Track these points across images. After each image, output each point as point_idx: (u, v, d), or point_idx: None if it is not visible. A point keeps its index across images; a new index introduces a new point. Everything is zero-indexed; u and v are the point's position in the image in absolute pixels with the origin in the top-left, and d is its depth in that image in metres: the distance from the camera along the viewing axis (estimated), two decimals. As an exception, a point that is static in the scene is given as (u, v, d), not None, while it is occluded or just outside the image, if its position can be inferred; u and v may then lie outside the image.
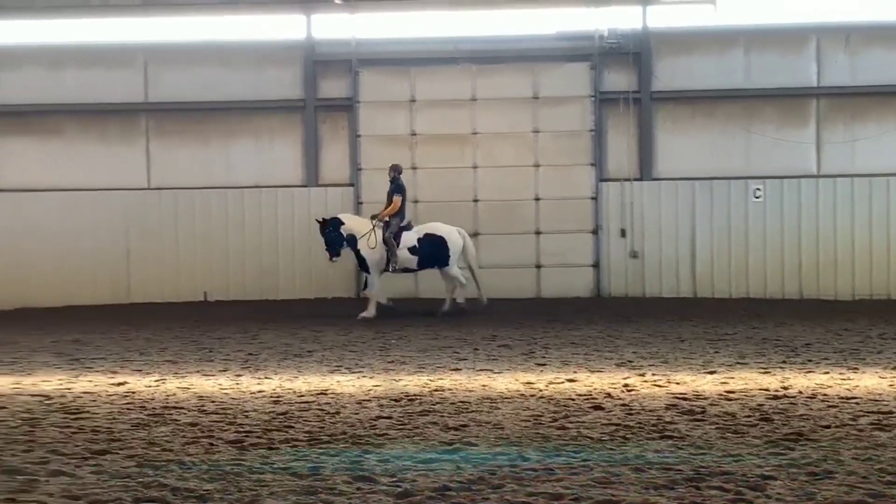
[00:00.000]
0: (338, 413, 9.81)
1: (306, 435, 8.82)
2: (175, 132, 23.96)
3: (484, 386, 11.31)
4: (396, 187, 19.72)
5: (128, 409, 10.21)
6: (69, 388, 11.52)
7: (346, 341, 15.74)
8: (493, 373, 12.27)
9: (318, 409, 10.01)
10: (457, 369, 12.59)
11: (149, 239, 23.65)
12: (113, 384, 11.79)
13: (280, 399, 10.66)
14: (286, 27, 23.95)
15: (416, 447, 8.32)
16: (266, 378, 12.11)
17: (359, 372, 12.49)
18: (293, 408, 10.13)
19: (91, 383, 11.89)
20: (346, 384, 11.56)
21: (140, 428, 9.20)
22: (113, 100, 23.81)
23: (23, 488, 7.07)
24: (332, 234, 19.51)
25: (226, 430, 9.04)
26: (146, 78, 23.85)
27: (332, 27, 23.84)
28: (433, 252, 19.85)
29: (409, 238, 19.71)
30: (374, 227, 19.55)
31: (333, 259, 19.73)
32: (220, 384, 11.70)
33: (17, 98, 23.92)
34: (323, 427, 9.15)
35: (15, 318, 21.11)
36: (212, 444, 8.46)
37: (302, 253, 23.41)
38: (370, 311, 19.38)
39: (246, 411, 9.97)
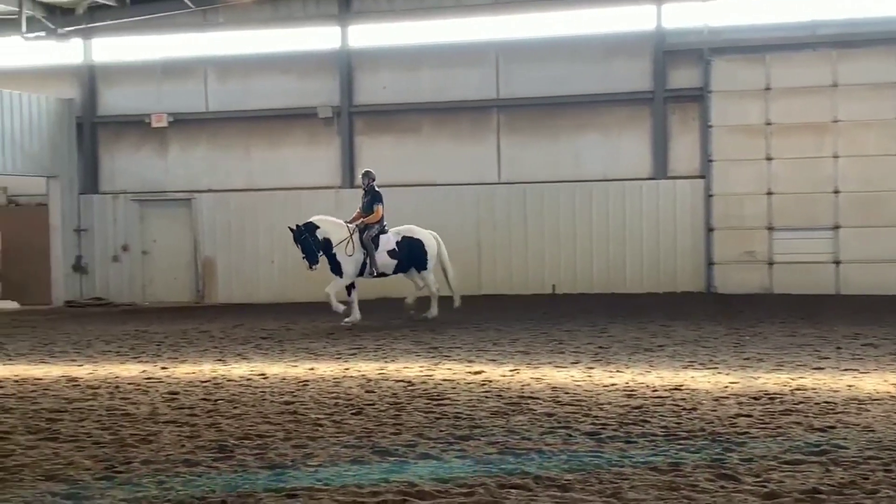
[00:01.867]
0: (694, 409, 9.58)
1: (663, 430, 8.66)
2: (524, 127, 24.40)
3: (850, 386, 10.69)
4: (374, 196, 18.54)
5: (486, 396, 10.45)
6: (430, 375, 11.95)
7: (697, 337, 15.39)
8: (859, 373, 11.58)
9: (674, 405, 9.82)
10: (819, 368, 11.99)
11: (498, 232, 24.22)
12: (470, 372, 12.12)
13: (634, 393, 10.55)
14: (635, 18, 23.77)
15: (780, 447, 7.96)
16: (618, 371, 12.04)
17: (713, 368, 12.16)
18: (648, 402, 9.99)
19: (450, 371, 12.28)
20: (701, 380, 11.28)
21: (499, 416, 9.37)
22: (466, 97, 24.56)
23: (394, 469, 7.38)
24: (308, 241, 18.08)
25: (582, 422, 9.04)
26: (497, 75, 24.43)
27: (683, 16, 23.42)
28: (411, 255, 18.84)
29: (389, 241, 18.65)
30: (351, 233, 18.29)
31: (313, 268, 18.21)
32: (572, 376, 11.75)
33: (376, 99, 25.18)
34: (680, 422, 8.95)
35: (376, 307, 22.21)
36: (569, 435, 8.49)
37: (650, 246, 23.22)
38: (355, 316, 18.32)
39: (600, 404, 9.94)
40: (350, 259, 18.20)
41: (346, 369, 12.60)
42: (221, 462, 7.67)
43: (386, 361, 13.27)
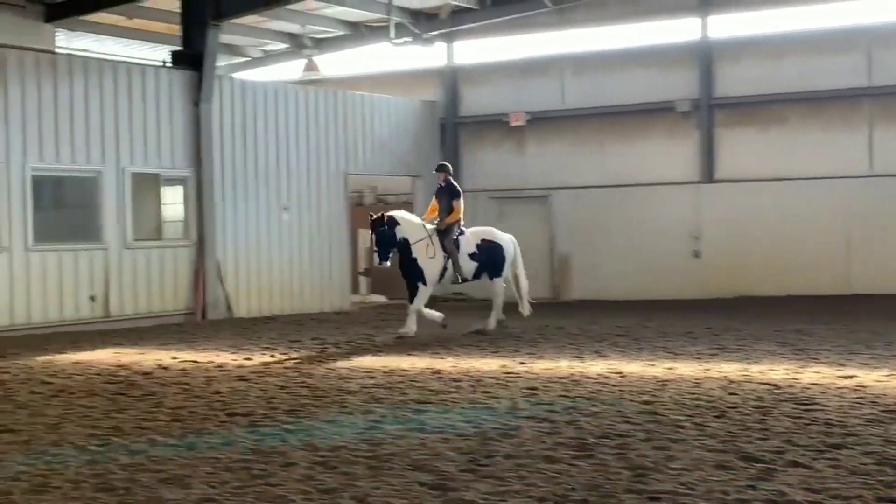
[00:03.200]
0: None
1: None
2: (899, 116, 22.88)
3: None
4: (452, 191, 16.81)
5: (859, 403, 9.78)
6: (796, 378, 11.36)
7: None
8: None
9: None
10: None
11: (870, 228, 22.79)
12: (841, 377, 11.41)
13: None
14: None
15: None
16: None
17: None
18: None
19: (818, 374, 11.62)
20: None
21: (874, 424, 8.73)
22: (834, 86, 23.29)
23: (760, 476, 7.01)
24: (387, 235, 16.32)
25: (973, 435, 8.26)
26: (869, 61, 22.97)
27: None
28: (490, 260, 17.05)
29: (469, 244, 16.90)
30: (430, 234, 16.52)
31: (382, 263, 16.50)
32: (960, 384, 10.80)
33: (737, 90, 24.39)
34: None
35: (735, 307, 21.56)
36: (958, 449, 7.76)
37: None
38: (410, 328, 16.51)
39: None
40: (432, 262, 16.52)
41: (707, 370, 12.22)
42: (581, 460, 7.60)
43: (748, 363, 12.75)
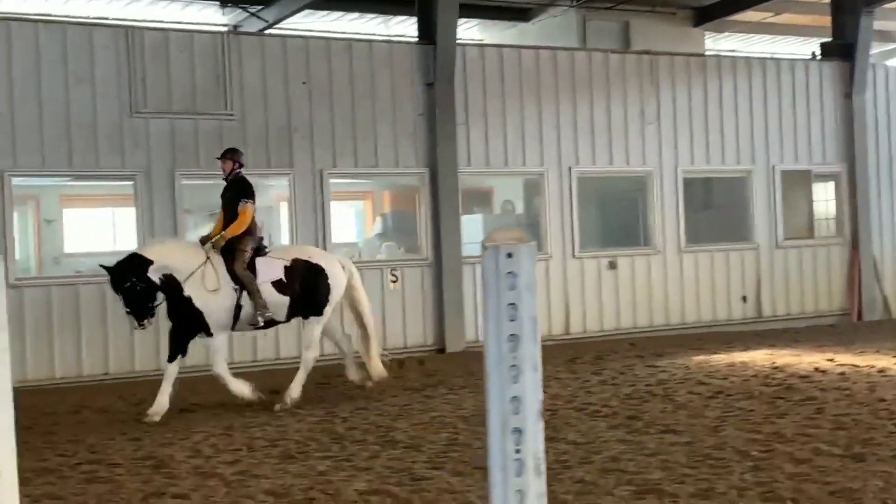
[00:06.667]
0: None
1: None
2: None
3: None
4: (241, 188, 11.24)
5: None
6: None
7: None
8: None
9: None
10: None
11: None
12: None
13: None
14: None
15: None
16: None
17: None
18: None
19: None
20: None
21: None
22: None
23: None
24: (135, 290, 10.63)
25: None
26: None
27: None
28: (309, 290, 11.45)
29: (272, 267, 11.29)
30: (208, 257, 10.97)
31: (141, 325, 10.86)
32: None
33: None
34: None
35: None
36: None
37: None
38: (241, 390, 11.13)
39: None
40: (215, 298, 10.94)
41: None
42: None
43: None
